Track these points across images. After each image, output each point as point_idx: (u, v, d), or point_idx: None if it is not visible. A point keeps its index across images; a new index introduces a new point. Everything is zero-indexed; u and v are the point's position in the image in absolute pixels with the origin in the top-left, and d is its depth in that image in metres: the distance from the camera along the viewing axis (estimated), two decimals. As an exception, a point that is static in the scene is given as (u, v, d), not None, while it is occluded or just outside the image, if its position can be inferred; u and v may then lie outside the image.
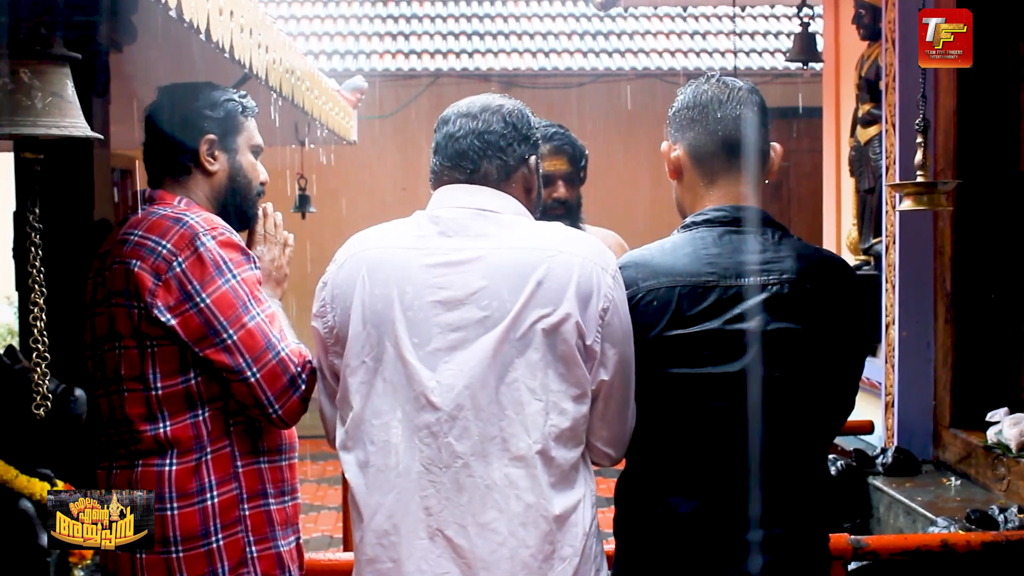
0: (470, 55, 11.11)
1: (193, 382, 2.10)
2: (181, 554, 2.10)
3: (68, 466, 3.55)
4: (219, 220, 2.20)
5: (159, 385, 2.10)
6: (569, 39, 11.40)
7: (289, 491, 2.26)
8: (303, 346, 2.19)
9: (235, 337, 2.07)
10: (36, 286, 1.99)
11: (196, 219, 2.14)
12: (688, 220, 2.04)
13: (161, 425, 2.10)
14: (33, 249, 1.99)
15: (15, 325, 9.05)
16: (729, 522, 1.92)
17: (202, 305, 2.07)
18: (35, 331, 2.01)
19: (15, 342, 7.04)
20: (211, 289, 2.07)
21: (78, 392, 3.63)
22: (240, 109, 2.31)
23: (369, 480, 1.91)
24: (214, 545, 2.12)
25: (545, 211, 3.14)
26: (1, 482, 3.15)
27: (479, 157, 1.96)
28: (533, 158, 2.02)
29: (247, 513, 2.16)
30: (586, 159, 3.19)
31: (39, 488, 3.25)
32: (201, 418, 2.11)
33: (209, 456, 2.12)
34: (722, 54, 10.77)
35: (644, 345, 1.93)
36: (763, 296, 1.92)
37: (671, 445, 1.96)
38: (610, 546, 2.06)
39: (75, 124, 1.93)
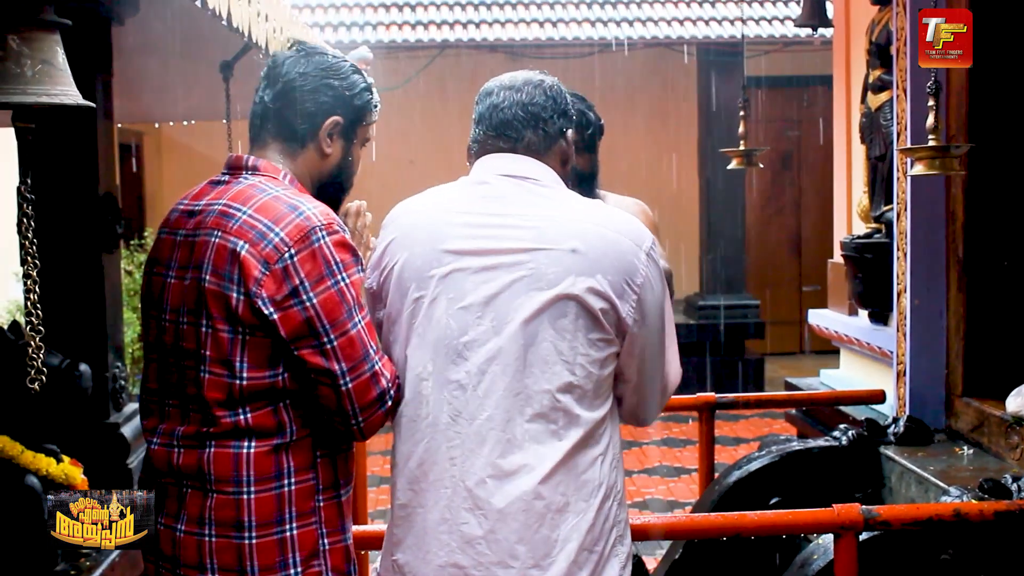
0: (476, 25, 11.01)
1: (280, 378, 1.99)
2: (254, 540, 1.99)
3: (74, 441, 3.54)
4: (334, 214, 2.06)
5: (245, 376, 1.98)
6: (576, 8, 11.28)
7: (350, 481, 2.16)
8: (393, 364, 2.10)
9: (336, 342, 1.97)
10: (30, 258, 1.96)
11: (313, 210, 2.01)
12: None
13: (242, 413, 1.99)
14: (26, 221, 1.95)
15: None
16: None
17: (308, 304, 1.95)
18: (28, 304, 1.99)
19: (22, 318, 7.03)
20: (320, 288, 1.96)
21: (83, 367, 3.61)
22: (374, 103, 2.19)
23: (403, 429, 2.03)
24: (288, 534, 2.01)
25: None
26: (7, 458, 3.13)
27: (523, 127, 2.06)
28: (569, 132, 2.13)
29: (322, 504, 2.05)
30: (596, 128, 3.19)
31: (45, 464, 3.23)
32: (284, 405, 2.01)
33: (291, 442, 2.01)
34: (731, 22, 10.64)
35: None
36: None
37: None
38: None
39: (66, 92, 1.90)
